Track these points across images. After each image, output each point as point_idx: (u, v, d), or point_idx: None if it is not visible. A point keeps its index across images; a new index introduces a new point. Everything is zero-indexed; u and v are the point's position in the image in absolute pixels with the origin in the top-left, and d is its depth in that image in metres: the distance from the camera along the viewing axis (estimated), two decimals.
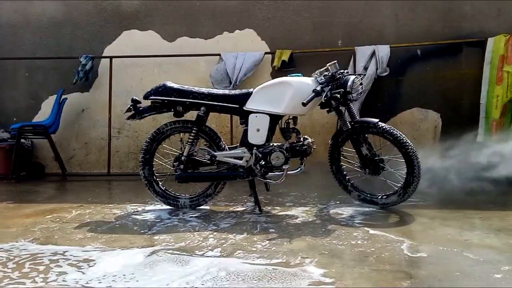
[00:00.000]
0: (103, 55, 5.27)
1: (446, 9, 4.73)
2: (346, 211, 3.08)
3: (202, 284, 1.80)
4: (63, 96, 5.11)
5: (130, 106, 3.18)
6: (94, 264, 2.06)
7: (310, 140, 3.13)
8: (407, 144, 2.93)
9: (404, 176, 2.97)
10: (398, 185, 3.02)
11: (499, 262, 2.00)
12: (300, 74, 3.17)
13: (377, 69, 4.60)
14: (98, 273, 1.93)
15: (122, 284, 1.82)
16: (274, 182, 3.08)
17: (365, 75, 4.49)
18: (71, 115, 5.31)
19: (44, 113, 5.32)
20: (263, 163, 3.02)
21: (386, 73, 4.65)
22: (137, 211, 3.18)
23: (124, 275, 1.91)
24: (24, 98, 5.45)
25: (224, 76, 4.90)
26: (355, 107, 4.49)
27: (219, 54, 5.00)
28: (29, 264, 2.06)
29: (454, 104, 4.71)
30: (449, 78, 4.68)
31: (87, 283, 1.83)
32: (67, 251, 2.24)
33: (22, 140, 5.06)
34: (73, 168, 5.31)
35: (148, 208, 3.28)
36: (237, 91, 3.22)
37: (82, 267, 2.01)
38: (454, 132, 4.59)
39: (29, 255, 2.18)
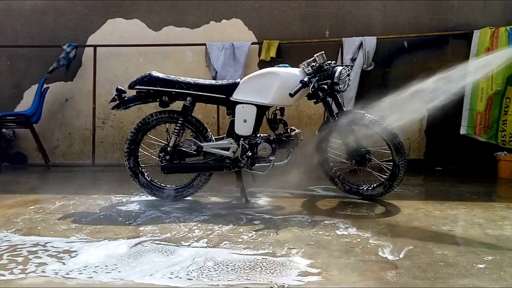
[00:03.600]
0: (87, 43, 5.17)
1: (434, 1, 4.74)
2: (332, 202, 3.09)
3: (187, 274, 1.78)
4: (45, 85, 5.00)
5: (115, 95, 3.13)
6: (76, 255, 2.02)
7: (297, 131, 3.12)
8: (394, 136, 2.94)
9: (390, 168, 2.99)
10: (384, 176, 3.04)
11: (483, 252, 2.03)
12: (287, 65, 3.15)
13: (363, 62, 4.61)
14: (79, 264, 1.90)
15: (103, 275, 1.79)
16: (261, 173, 3.07)
17: (352, 66, 4.49)
18: (54, 104, 5.21)
19: (26, 103, 5.21)
20: (250, 154, 3.00)
21: (371, 67, 4.67)
22: (122, 202, 3.14)
23: (106, 266, 1.88)
24: (5, 87, 5.32)
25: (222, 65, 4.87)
26: (347, 99, 4.51)
27: (204, 44, 4.95)
28: (9, 255, 2.02)
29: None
30: (435, 70, 4.70)
31: (67, 273, 1.80)
32: (49, 242, 2.20)
33: (4, 130, 4.95)
34: (56, 158, 5.23)
35: (133, 199, 3.24)
36: (224, 81, 3.19)
37: (63, 258, 1.97)
38: (439, 124, 4.64)
39: (10, 246, 2.14)
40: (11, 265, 1.89)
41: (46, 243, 2.19)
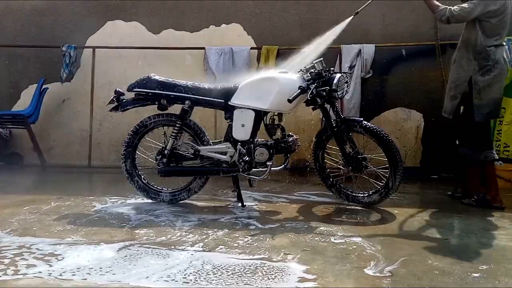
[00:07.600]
0: (86, 45, 5.17)
1: None
2: (327, 208, 3.10)
3: (184, 277, 1.78)
4: (44, 86, 4.99)
5: (113, 98, 3.13)
6: (68, 257, 2.01)
7: (294, 137, 3.13)
8: (391, 143, 2.95)
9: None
10: (381, 183, 3.05)
11: (477, 261, 2.04)
12: (286, 71, 3.16)
13: (362, 70, 4.64)
14: (72, 266, 1.89)
15: (97, 277, 1.79)
16: (257, 178, 3.07)
17: (351, 73, 4.51)
18: (51, 105, 5.19)
19: (23, 103, 5.18)
20: (247, 159, 3.01)
21: (369, 75, 4.69)
22: (118, 204, 3.13)
23: (100, 268, 1.88)
24: (3, 87, 5.30)
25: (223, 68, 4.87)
26: (348, 108, 4.52)
27: (203, 48, 4.96)
28: (1, 255, 2.01)
29: (437, 104, 4.75)
30: (432, 78, 4.73)
31: (60, 275, 1.79)
32: (43, 243, 2.19)
33: (0, 130, 4.93)
34: (52, 159, 5.19)
35: (129, 201, 3.23)
36: (222, 86, 3.19)
37: (51, 261, 1.96)
38: (435, 132, 4.66)
39: (4, 247, 2.13)
40: (1, 267, 1.88)
41: (40, 243, 2.18)
